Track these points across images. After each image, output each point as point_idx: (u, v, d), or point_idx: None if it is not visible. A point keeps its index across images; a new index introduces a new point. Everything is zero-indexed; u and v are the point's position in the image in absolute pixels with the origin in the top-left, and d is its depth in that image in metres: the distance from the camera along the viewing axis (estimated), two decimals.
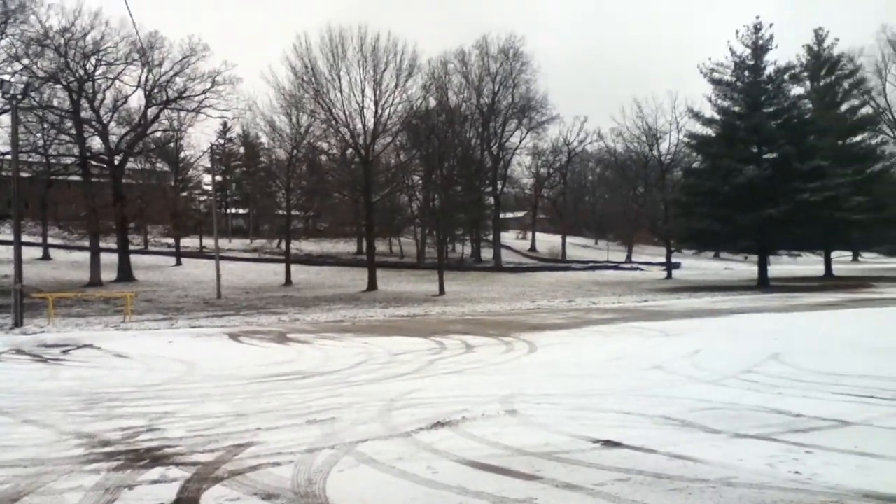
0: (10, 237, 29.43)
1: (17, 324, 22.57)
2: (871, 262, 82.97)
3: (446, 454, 6.49)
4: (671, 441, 6.86)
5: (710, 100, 47.01)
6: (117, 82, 46.52)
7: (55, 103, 45.31)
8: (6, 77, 32.78)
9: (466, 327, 21.13)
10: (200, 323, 23.71)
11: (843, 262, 73.48)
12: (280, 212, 63.69)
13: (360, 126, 45.50)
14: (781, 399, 9.05)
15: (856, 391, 9.46)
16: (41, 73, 42.59)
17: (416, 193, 59.68)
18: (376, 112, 44.86)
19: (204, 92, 46.64)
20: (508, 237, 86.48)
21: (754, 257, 64.83)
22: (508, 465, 6.09)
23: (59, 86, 44.61)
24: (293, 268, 49.97)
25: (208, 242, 61.16)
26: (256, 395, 10.11)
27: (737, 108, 45.68)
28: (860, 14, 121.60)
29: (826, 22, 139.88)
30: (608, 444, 6.78)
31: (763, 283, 44.90)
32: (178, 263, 55.72)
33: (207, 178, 69.80)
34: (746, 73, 45.26)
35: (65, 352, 16.15)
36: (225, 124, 73.66)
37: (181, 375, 12.46)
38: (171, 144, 56.12)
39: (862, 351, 13.64)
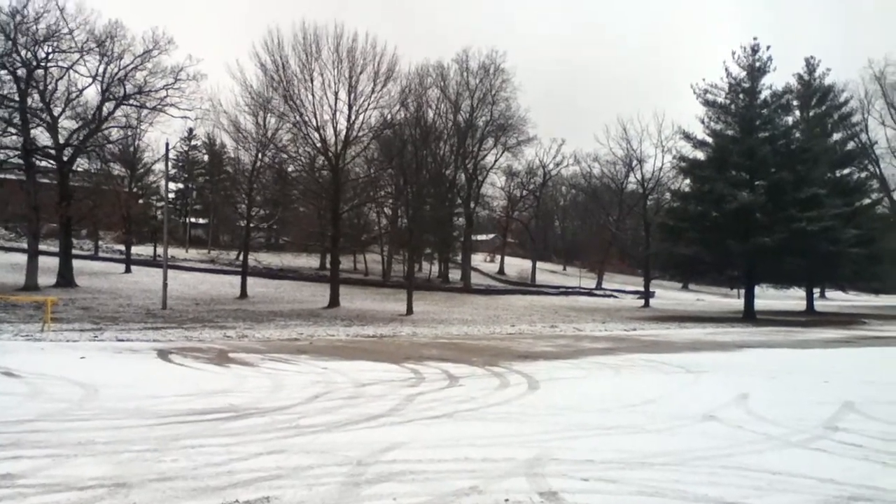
0: None
1: None
2: (840, 300, 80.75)
3: None
4: None
5: (702, 121, 44.56)
6: (71, 73, 42.82)
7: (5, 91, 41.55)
8: None
9: (443, 352, 18.01)
10: (131, 336, 20.17)
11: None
12: (241, 222, 60.04)
13: (331, 132, 42.27)
14: None
15: None
16: None
17: (385, 209, 56.61)
18: (349, 117, 41.60)
19: (165, 88, 43.17)
20: (476, 259, 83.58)
21: (729, 290, 62.93)
22: None
23: (3, 71, 40.87)
24: (251, 280, 46.31)
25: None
26: (160, 447, 6.86)
27: (730, 132, 43.30)
28: (853, 46, 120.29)
29: (818, 51, 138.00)
30: None
31: (749, 316, 42.39)
32: (128, 271, 51.85)
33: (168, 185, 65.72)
34: (741, 95, 42.96)
35: None
36: (190, 131, 70.34)
37: (69, 407, 9.10)
38: (129, 146, 52.43)
39: None
